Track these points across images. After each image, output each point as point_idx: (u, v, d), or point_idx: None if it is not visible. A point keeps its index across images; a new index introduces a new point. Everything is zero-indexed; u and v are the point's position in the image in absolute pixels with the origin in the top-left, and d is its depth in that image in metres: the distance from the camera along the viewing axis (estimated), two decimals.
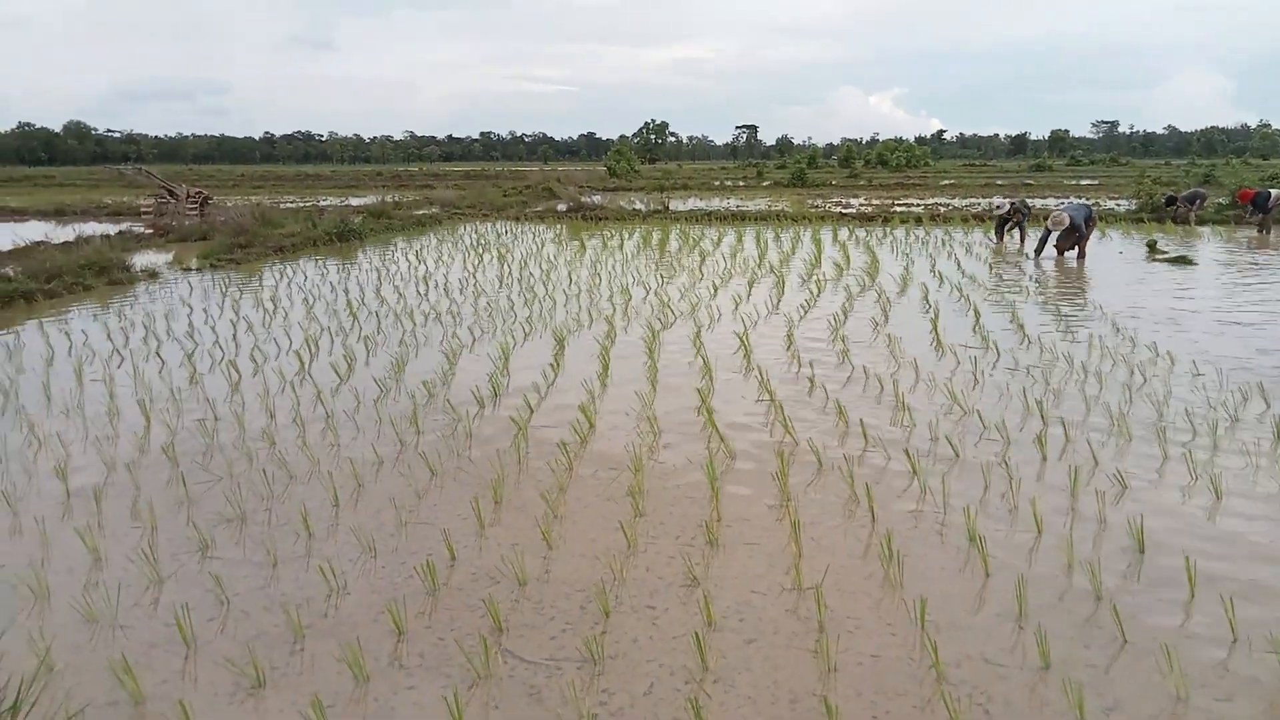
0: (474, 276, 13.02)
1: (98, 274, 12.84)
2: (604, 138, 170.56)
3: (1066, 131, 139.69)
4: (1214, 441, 5.63)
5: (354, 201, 30.97)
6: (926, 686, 3.15)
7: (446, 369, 7.60)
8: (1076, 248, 14.71)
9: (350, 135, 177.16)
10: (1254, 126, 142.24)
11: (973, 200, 30.24)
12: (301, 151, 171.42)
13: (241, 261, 15.32)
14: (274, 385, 7.17)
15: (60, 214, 27.45)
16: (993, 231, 18.33)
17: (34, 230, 20.67)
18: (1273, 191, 19.81)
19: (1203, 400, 6.53)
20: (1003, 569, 3.99)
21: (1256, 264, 14.56)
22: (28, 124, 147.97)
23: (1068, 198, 27.83)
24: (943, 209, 25.84)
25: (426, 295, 11.46)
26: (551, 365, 7.64)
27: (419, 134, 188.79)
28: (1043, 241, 15.12)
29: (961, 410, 6.31)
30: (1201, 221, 21.13)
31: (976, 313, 9.70)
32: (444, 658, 3.37)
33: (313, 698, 3.02)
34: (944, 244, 17.27)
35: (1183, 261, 14.54)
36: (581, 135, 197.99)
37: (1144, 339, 8.58)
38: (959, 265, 14.05)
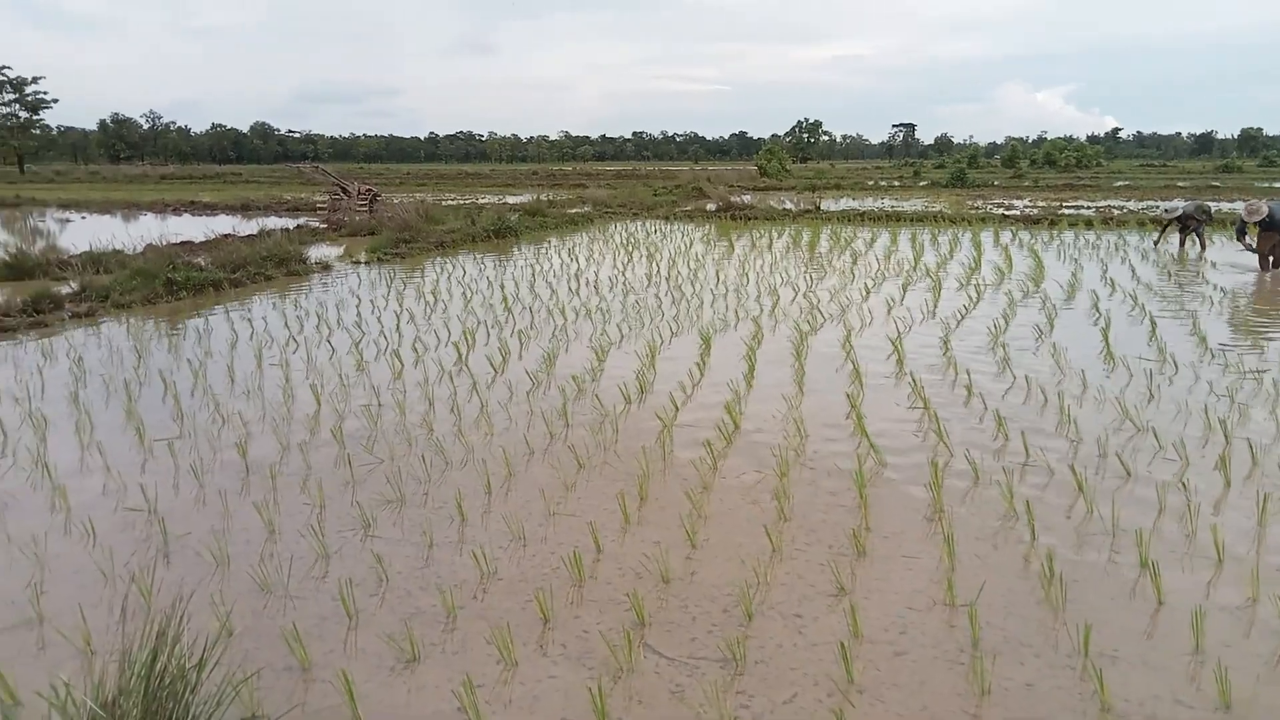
0: (623, 274, 13.20)
1: (277, 265, 13.78)
2: (755, 137, 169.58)
3: (1260, 130, 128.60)
4: None
5: (511, 199, 32.01)
6: (1089, 717, 2.97)
7: (595, 364, 7.74)
8: (1276, 253, 12.93)
9: (509, 135, 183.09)
10: None
11: (1150, 203, 28.30)
12: (463, 150, 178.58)
13: (406, 256, 16.09)
14: (433, 375, 7.49)
15: (246, 209, 29.61)
16: (1156, 233, 17.06)
17: (223, 224, 22.42)
18: None
19: None
20: (1178, 599, 3.71)
21: None
22: (219, 125, 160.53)
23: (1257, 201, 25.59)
24: (1116, 212, 24.31)
25: (577, 292, 11.70)
26: (698, 364, 7.66)
27: (574, 134, 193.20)
28: (1163, 230, 13.32)
29: (1135, 427, 5.92)
30: None
31: (1153, 323, 9.08)
32: (587, 648, 3.43)
33: (464, 677, 3.14)
34: (1117, 249, 16.24)
35: None
36: (733, 134, 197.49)
37: None
38: (1133, 272, 13.18)
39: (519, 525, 4.49)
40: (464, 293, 11.72)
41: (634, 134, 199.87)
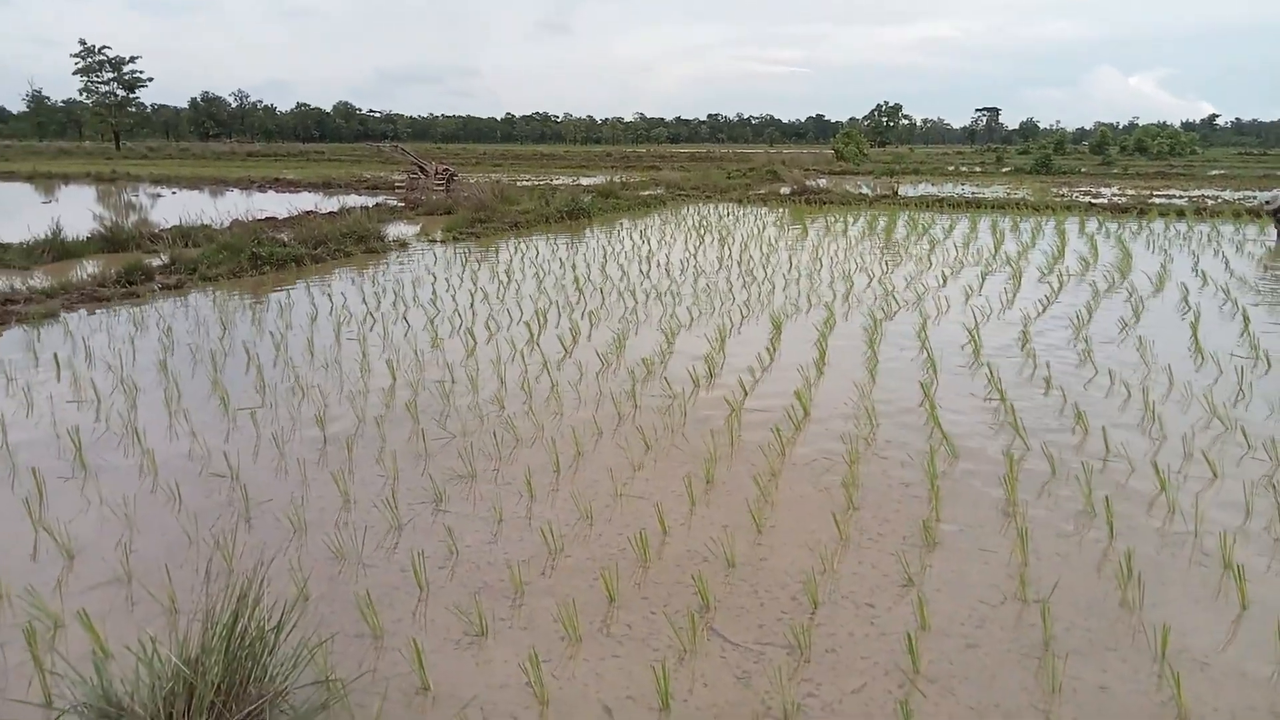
0: (694, 257, 13.16)
1: (356, 242, 14.10)
2: (833, 120, 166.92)
3: None
4: None
5: (584, 181, 32.14)
6: (1156, 716, 2.88)
7: (665, 347, 7.75)
8: None
9: (584, 116, 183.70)
10: None
11: (1247, 193, 27.06)
12: (538, 131, 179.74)
13: (481, 235, 16.30)
14: (505, 353, 7.59)
15: (327, 186, 30.31)
16: (1272, 227, 16.26)
17: (305, 200, 23.01)
18: None
19: None
20: (1264, 604, 3.57)
21: None
22: (304, 104, 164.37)
23: None
24: (1210, 202, 23.32)
25: (648, 274, 11.71)
26: (768, 349, 7.60)
27: (648, 115, 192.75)
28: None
29: (1223, 425, 5.70)
30: None
31: (1245, 318, 8.70)
32: (652, 629, 3.45)
33: (530, 651, 3.20)
34: (1210, 240, 15.58)
35: None
36: (809, 117, 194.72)
37: None
38: (1227, 264, 12.63)
39: (587, 504, 4.53)
40: (536, 273, 11.83)
41: (709, 116, 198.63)
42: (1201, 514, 4.38)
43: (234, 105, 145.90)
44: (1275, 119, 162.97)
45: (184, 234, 14.04)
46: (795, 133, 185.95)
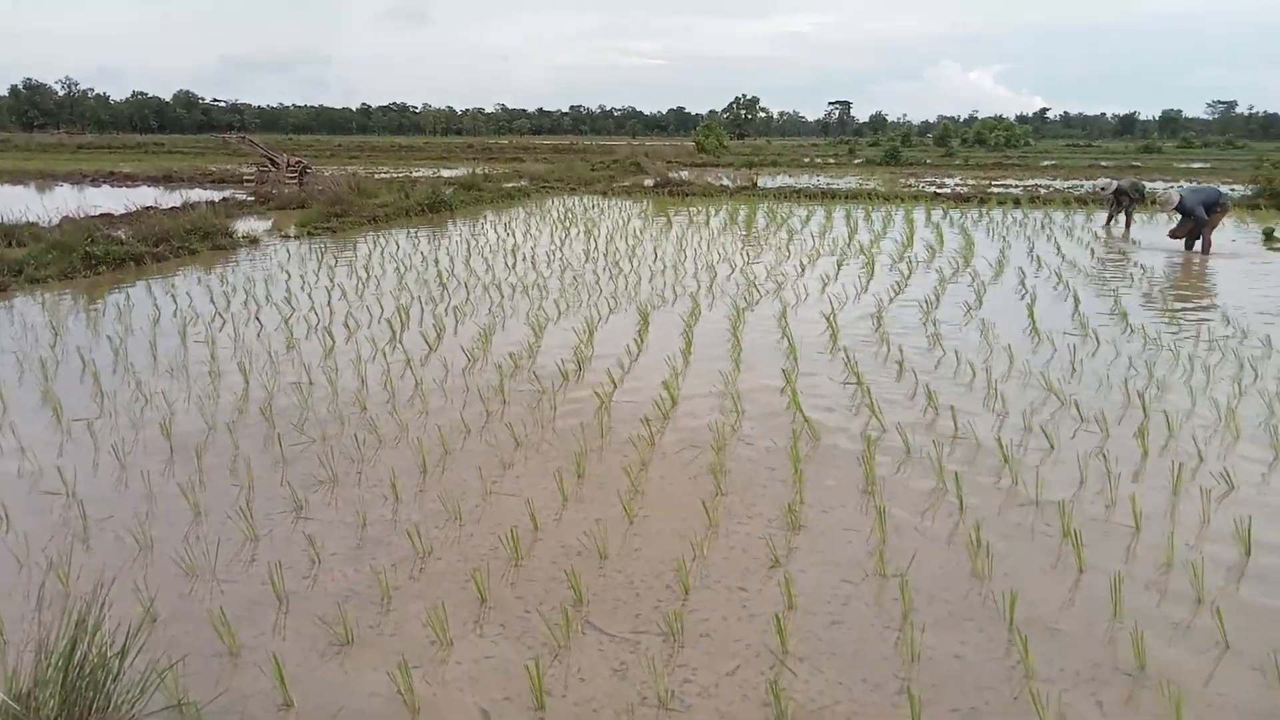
0: (560, 250, 13.11)
1: (202, 239, 13.37)
2: (693, 113, 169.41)
3: (1179, 111, 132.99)
4: None
5: (445, 173, 31.49)
6: (1014, 683, 3.06)
7: (532, 341, 7.68)
8: (1200, 237, 13.41)
9: (443, 107, 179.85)
10: None
11: (1075, 182, 29.09)
12: (396, 123, 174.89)
13: (337, 230, 15.74)
14: (366, 352, 7.36)
15: (168, 180, 28.59)
16: (1100, 211, 17.38)
17: (144, 195, 21.60)
18: None
19: None
20: (1098, 566, 3.84)
21: None
22: (141, 93, 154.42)
23: (1178, 181, 26.53)
24: (1043, 190, 24.94)
25: (514, 268, 11.59)
26: (635, 341, 7.65)
27: (510, 107, 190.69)
28: (1110, 216, 13.64)
29: (1058, 400, 6.10)
30: None
31: (1076, 299, 9.35)
32: (527, 627, 3.42)
33: (399, 658, 3.10)
34: (1043, 227, 16.66)
35: None
36: (671, 110, 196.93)
37: (1257, 332, 8.14)
38: (1059, 249, 13.54)
39: (455, 504, 4.45)
40: (397, 268, 11.52)
41: (571, 108, 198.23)
42: (1041, 485, 4.67)
43: (61, 93, 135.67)
44: (1098, 113, 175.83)
45: (7, 232, 12.93)
46: (657, 125, 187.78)
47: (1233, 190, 22.48)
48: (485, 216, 18.32)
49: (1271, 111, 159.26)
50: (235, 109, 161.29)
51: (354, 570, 3.85)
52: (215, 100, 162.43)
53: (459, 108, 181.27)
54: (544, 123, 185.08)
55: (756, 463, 5.05)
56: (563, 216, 17.98)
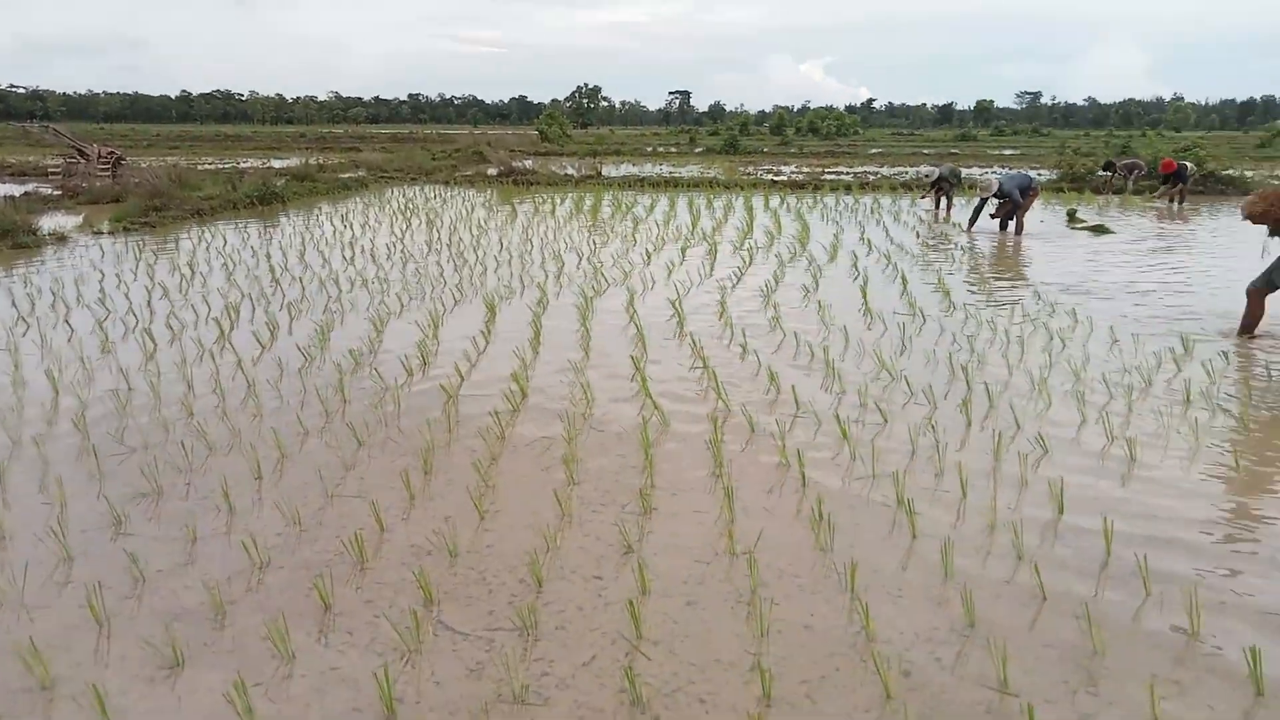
0: (402, 242, 12.74)
1: (1, 237, 12.22)
2: (535, 101, 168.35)
3: (991, 102, 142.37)
4: (1129, 404, 5.82)
5: (276, 164, 29.99)
6: (857, 649, 3.19)
7: (374, 337, 7.43)
8: (1015, 218, 14.49)
9: (272, 95, 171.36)
10: (1168, 100, 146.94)
11: (900, 169, 30.65)
12: (220, 111, 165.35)
13: (157, 225, 14.72)
14: (192, 354, 6.92)
15: None
16: (931, 198, 18.34)
17: None
18: (1188, 165, 20.53)
19: (1118, 365, 6.74)
20: (930, 531, 4.06)
21: (1170, 232, 15.08)
22: None
23: (992, 167, 28.39)
24: (871, 177, 26.14)
25: (352, 261, 11.18)
26: (483, 332, 7.53)
27: (344, 95, 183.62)
28: (976, 212, 14.78)
29: (889, 376, 6.41)
30: (1120, 191, 21.82)
31: (904, 280, 9.85)
32: (376, 633, 3.30)
33: (236, 676, 2.93)
34: (873, 212, 17.48)
35: (1100, 230, 14.99)
36: (512, 99, 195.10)
37: (1064, 305, 8.82)
38: (887, 233, 14.24)
39: (294, 510, 4.24)
40: (225, 264, 10.89)
41: (410, 96, 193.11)
42: (877, 457, 4.90)
43: None
44: (919, 103, 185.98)
45: None
46: (499, 114, 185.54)
47: (1040, 175, 24.29)
48: (320, 208, 17.58)
49: (1072, 102, 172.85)
50: (37, 95, 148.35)
51: (184, 587, 3.61)
52: (13, 86, 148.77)
53: (289, 95, 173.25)
54: (381, 111, 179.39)
55: (608, 450, 5.06)
56: (403, 207, 17.47)
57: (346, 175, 24.49)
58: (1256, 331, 7.73)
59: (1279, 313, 8.07)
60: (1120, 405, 5.81)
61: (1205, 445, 5.21)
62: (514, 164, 27.25)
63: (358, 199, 19.64)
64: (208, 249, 12.21)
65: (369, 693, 2.94)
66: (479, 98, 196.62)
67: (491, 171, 26.63)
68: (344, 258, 11.41)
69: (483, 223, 15.07)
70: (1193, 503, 4.43)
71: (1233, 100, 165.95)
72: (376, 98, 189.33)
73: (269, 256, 11.44)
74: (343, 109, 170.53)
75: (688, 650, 3.20)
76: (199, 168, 25.08)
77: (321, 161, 29.37)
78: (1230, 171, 23.87)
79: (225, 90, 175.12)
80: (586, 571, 3.74)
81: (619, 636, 3.27)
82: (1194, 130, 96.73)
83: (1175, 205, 19.20)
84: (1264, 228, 7.77)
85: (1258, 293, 7.71)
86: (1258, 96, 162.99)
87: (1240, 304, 7.87)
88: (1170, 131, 77.10)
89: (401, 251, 11.88)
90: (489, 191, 21.73)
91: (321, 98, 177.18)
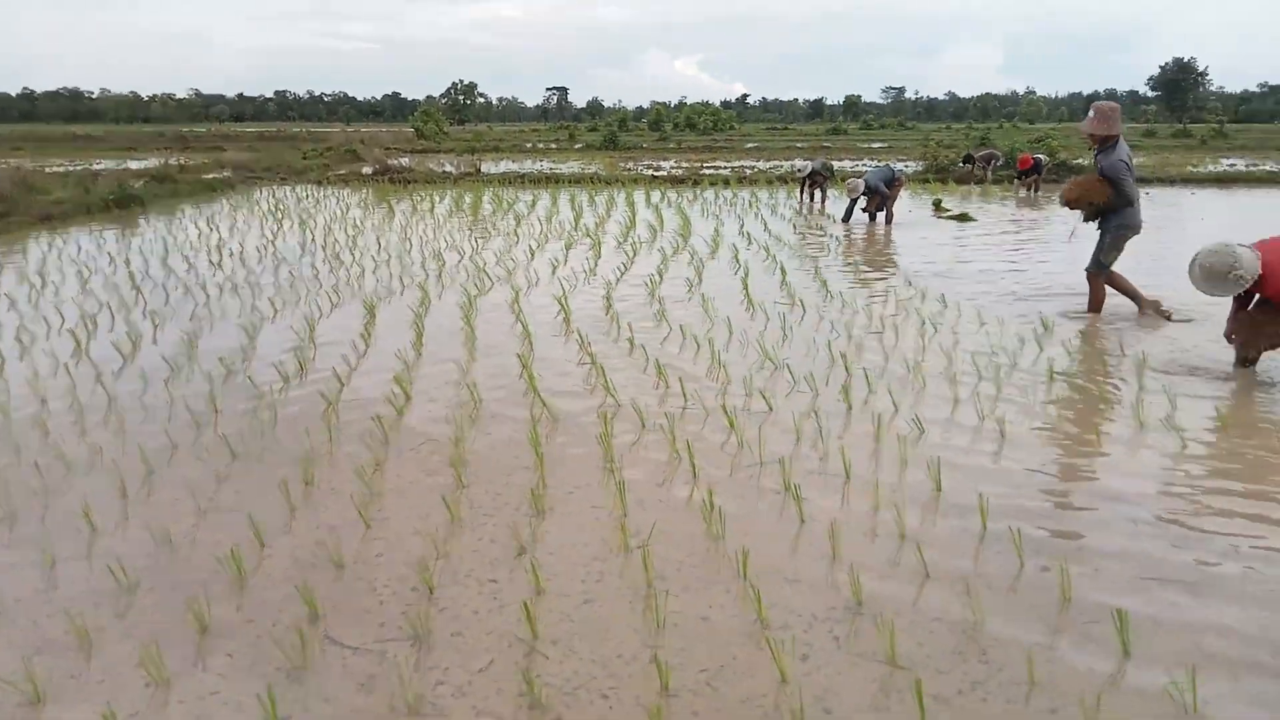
0: (273, 244, 12.26)
1: None
2: (410, 98, 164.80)
3: (859, 97, 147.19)
4: (997, 384, 6.11)
5: (133, 165, 28.37)
6: (754, 636, 3.24)
7: (246, 343, 7.12)
8: (884, 209, 15.06)
9: (126, 93, 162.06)
10: (1021, 94, 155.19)
11: (776, 163, 31.35)
12: (68, 110, 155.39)
13: (0, 233, 13.72)
14: (45, 368, 6.47)
15: None
16: (798, 193, 18.96)
17: None
18: (1041, 157, 21.76)
19: (986, 346, 7.07)
20: (816, 515, 4.16)
21: (1027, 220, 15.94)
22: None
23: (862, 160, 29.35)
24: (749, 171, 26.66)
25: (220, 265, 10.68)
26: (362, 335, 7.31)
27: (205, 92, 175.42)
28: (849, 210, 15.31)
29: (773, 365, 6.54)
30: (981, 181, 22.92)
31: (783, 271, 10.08)
32: (259, 653, 3.15)
33: (106, 709, 2.75)
34: (751, 205, 17.82)
35: (964, 218, 15.70)
36: (386, 95, 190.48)
37: (934, 291, 9.19)
38: (766, 226, 14.54)
39: (164, 529, 4.01)
40: (80, 272, 10.24)
41: (277, 93, 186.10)
42: (763, 445, 4.99)
43: None
44: (791, 98, 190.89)
45: None
46: (372, 111, 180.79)
47: (906, 166, 25.27)
48: (184, 211, 16.74)
49: (934, 97, 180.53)
50: None
51: (44, 617, 3.37)
52: None
53: (145, 93, 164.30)
54: (246, 109, 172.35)
55: (497, 450, 4.99)
56: (274, 208, 16.81)
57: (211, 176, 23.39)
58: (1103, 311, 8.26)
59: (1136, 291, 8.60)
60: (989, 385, 6.09)
61: (1067, 420, 5.53)
62: (390, 162, 26.62)
63: (224, 201, 18.79)
64: (59, 256, 11.45)
65: (253, 715, 2.81)
66: (350, 95, 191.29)
67: (366, 170, 25.92)
68: (211, 262, 10.89)
69: (359, 223, 14.65)
70: (1059, 475, 4.69)
71: (1080, 93, 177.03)
72: (240, 95, 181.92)
73: (128, 263, 10.82)
74: (204, 107, 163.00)
75: (587, 648, 3.18)
76: (47, 170, 23.48)
77: (183, 162, 27.97)
78: (1080, 161, 25.39)
79: (73, 88, 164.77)
80: (481, 575, 3.68)
81: (516, 639, 3.23)
82: (1046, 122, 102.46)
83: (1031, 194, 20.30)
84: (1079, 212, 8.30)
85: (1094, 275, 8.26)
86: (1101, 90, 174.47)
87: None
88: (1024, 124, 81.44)
89: (273, 254, 11.43)
90: (364, 191, 21.14)
91: (180, 95, 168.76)
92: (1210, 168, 28.23)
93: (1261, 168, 27.79)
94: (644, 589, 3.55)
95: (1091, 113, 8.13)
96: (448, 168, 26.76)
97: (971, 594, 3.41)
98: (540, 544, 3.94)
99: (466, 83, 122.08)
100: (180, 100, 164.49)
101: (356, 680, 3.00)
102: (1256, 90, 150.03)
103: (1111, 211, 8.15)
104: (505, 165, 30.68)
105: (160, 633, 3.25)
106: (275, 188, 21.90)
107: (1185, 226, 15.53)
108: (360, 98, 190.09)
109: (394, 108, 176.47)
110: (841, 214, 15.47)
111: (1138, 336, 7.47)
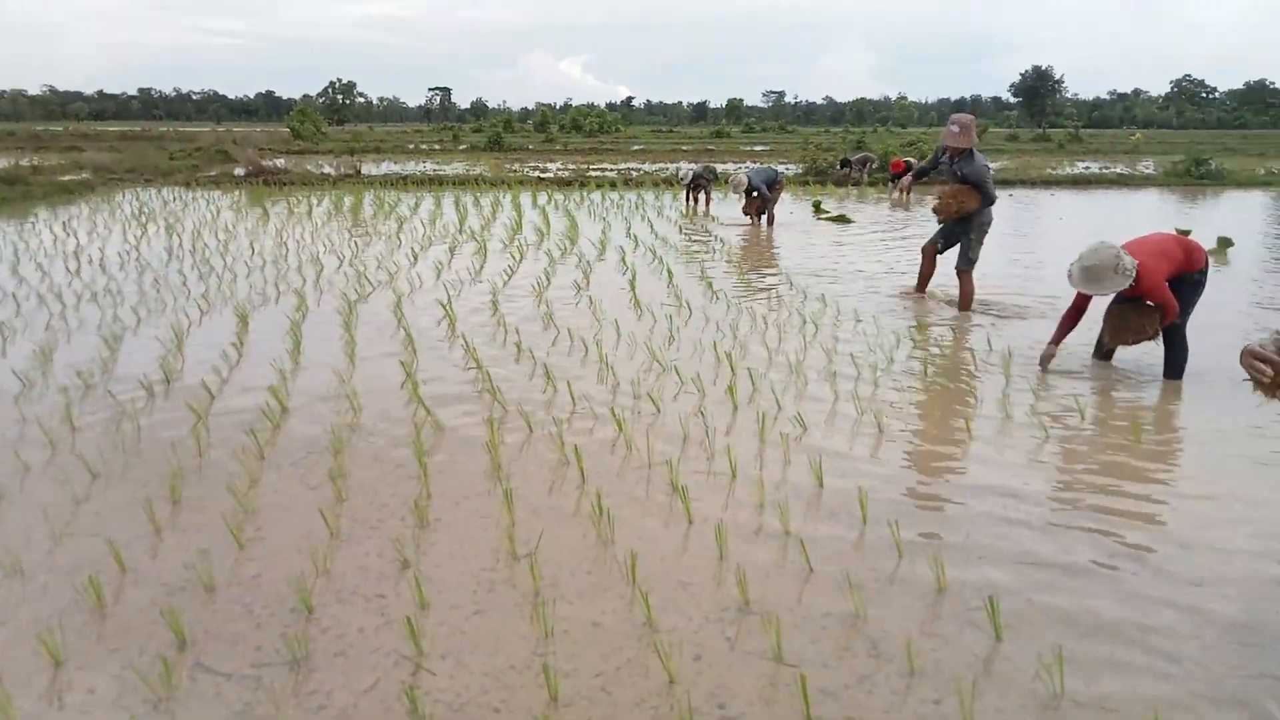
0: (137, 250, 11.63)
1: None
2: (285, 97, 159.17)
3: (741, 100, 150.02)
4: (875, 381, 6.31)
5: None
6: (643, 640, 3.24)
7: (107, 355, 6.71)
8: (766, 212, 15.32)
9: None
10: (894, 99, 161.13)
11: (662, 165, 31.63)
12: None
13: None
14: None
15: None
16: (684, 196, 19.13)
17: None
18: (912, 161, 22.65)
19: (864, 345, 7.30)
20: (704, 514, 4.20)
21: (900, 219, 16.55)
22: None
23: (745, 163, 29.90)
24: (635, 174, 26.81)
25: (78, 273, 10.06)
26: (234, 345, 7.00)
27: (61, 89, 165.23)
28: (698, 198, 15.51)
29: (660, 367, 6.58)
30: (858, 183, 23.69)
31: (670, 273, 10.16)
32: (123, 687, 2.96)
33: None
34: (637, 207, 17.92)
35: (843, 220, 16.20)
36: (259, 94, 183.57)
37: (814, 292, 9.43)
38: (652, 228, 14.64)
39: (15, 556, 3.74)
40: None
41: (141, 91, 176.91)
42: (651, 447, 5.01)
43: None
44: (676, 101, 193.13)
45: None
46: (244, 110, 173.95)
47: (787, 169, 25.89)
48: (38, 215, 15.69)
49: (812, 101, 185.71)
50: None
51: None
52: None
53: None
54: (107, 107, 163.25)
55: (380, 461, 4.85)
56: (138, 212, 15.95)
57: (68, 178, 22.02)
58: (973, 305, 8.66)
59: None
60: (867, 383, 6.28)
61: (940, 414, 5.75)
62: (264, 163, 25.61)
63: (83, 204, 17.71)
64: None
65: None
66: (221, 93, 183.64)
67: (239, 172, 24.88)
68: (68, 269, 10.24)
69: (230, 227, 14.04)
70: (934, 468, 4.88)
71: (948, 99, 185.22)
72: (100, 92, 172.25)
73: None
74: (60, 105, 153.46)
75: (478, 661, 3.12)
76: None
77: (36, 163, 26.24)
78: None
79: None
80: (365, 591, 3.56)
81: (403, 657, 3.14)
82: (917, 126, 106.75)
83: (905, 196, 21.08)
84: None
85: (964, 272, 8.67)
86: (968, 96, 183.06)
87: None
88: (898, 128, 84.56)
89: (137, 260, 10.84)
90: (237, 193, 20.28)
91: (33, 92, 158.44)
92: (1068, 170, 30.01)
93: (1113, 170, 29.73)
94: (534, 598, 3.51)
95: (955, 127, 8.51)
96: (326, 169, 25.94)
97: (854, 588, 3.50)
98: (426, 557, 3.84)
99: (345, 81, 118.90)
100: (33, 97, 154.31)
101: (231, 709, 2.86)
102: (1107, 98, 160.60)
103: (974, 212, 8.54)
104: (387, 167, 29.97)
105: (10, 670, 3.02)
106: (139, 190, 20.77)
107: (1047, 226, 16.46)
108: (232, 96, 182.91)
109: (268, 107, 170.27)
110: (721, 216, 15.71)
111: (1005, 333, 7.84)
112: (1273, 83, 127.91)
